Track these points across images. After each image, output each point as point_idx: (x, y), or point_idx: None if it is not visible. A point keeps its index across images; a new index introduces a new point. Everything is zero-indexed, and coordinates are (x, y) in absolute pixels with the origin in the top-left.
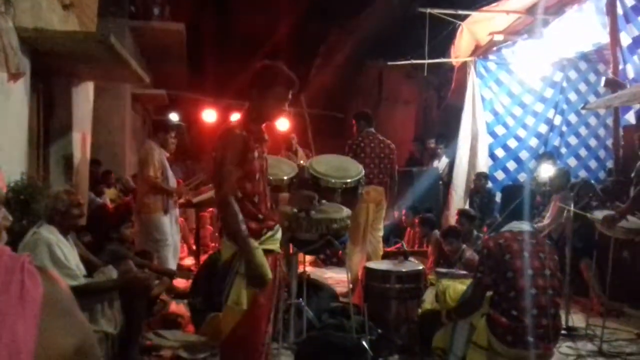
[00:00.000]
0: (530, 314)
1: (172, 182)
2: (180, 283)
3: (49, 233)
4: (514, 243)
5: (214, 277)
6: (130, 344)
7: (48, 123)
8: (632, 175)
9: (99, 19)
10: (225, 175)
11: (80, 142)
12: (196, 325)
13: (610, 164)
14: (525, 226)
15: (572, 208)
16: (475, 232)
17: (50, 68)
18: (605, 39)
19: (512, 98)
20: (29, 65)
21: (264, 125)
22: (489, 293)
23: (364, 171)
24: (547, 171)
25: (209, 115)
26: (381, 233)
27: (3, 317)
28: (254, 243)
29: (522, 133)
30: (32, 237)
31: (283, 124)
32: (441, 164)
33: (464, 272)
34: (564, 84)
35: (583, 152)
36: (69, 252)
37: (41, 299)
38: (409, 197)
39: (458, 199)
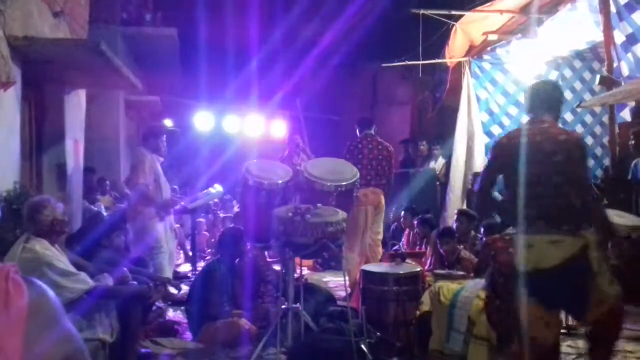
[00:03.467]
0: None
1: (166, 188)
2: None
3: (43, 248)
4: (499, 242)
5: (211, 286)
6: (127, 351)
7: (40, 131)
8: (629, 177)
9: (90, 26)
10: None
11: (73, 150)
12: (193, 333)
13: (607, 161)
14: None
15: None
16: (473, 233)
17: (42, 76)
18: (599, 37)
19: (508, 97)
20: (20, 74)
21: None
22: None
23: (359, 174)
24: None
25: (204, 121)
26: (380, 236)
27: None
28: None
29: None
30: (24, 254)
31: (279, 128)
32: (437, 164)
33: (462, 273)
34: (559, 83)
35: None
36: (65, 260)
37: (27, 309)
38: (405, 198)
39: (455, 200)
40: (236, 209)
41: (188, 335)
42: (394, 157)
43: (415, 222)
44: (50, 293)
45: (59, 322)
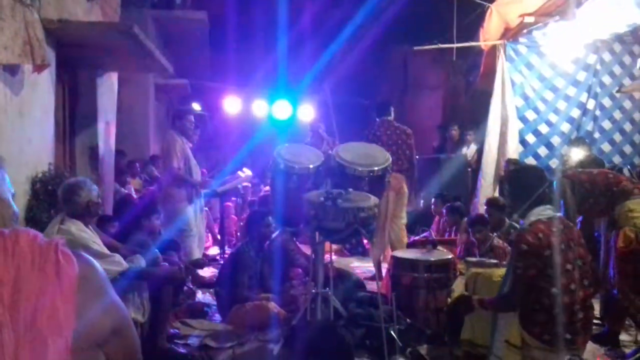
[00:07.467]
0: (571, 310)
1: (196, 171)
2: (207, 272)
3: (78, 230)
4: (552, 236)
5: (240, 268)
6: (158, 332)
7: (73, 114)
8: None
9: (122, 10)
10: None
11: (105, 132)
12: (222, 315)
13: None
14: (549, 211)
15: None
16: (507, 221)
17: (75, 59)
18: None
19: (543, 82)
20: (54, 57)
21: None
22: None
23: (391, 159)
24: (577, 154)
25: (232, 104)
26: (404, 221)
27: (43, 294)
28: None
29: (553, 118)
30: (60, 235)
31: (308, 112)
32: (470, 150)
33: (495, 260)
34: (598, 67)
35: (618, 137)
36: (99, 241)
37: (77, 278)
38: (436, 184)
39: (487, 186)
40: (264, 192)
41: (217, 317)
42: (413, 139)
43: (444, 210)
44: (97, 264)
45: (107, 291)
